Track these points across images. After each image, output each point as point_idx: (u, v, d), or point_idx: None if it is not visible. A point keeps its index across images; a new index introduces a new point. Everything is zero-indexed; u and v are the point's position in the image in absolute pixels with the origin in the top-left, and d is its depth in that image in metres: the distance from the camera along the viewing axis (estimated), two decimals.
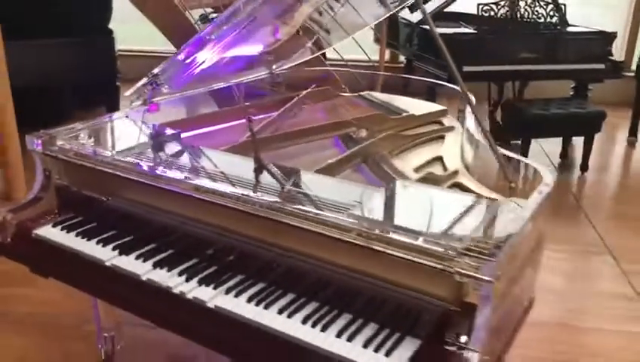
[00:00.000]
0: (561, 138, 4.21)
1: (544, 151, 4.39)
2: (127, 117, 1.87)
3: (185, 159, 1.62)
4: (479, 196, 1.38)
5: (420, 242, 1.12)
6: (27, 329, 2.22)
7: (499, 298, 1.12)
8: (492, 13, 4.17)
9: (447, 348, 1.09)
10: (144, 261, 1.42)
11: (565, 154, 4.19)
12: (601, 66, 4.18)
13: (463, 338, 1.09)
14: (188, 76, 1.90)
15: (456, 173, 1.71)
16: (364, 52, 4.35)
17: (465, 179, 1.65)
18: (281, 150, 1.85)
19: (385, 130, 1.97)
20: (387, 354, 1.12)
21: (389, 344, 1.14)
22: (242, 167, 1.49)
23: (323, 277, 1.27)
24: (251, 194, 1.33)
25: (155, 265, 1.40)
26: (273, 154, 1.73)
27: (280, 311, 1.24)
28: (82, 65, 4.03)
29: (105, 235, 1.52)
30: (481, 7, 4.17)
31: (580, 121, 3.89)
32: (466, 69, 4.04)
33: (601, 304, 2.48)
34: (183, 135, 1.79)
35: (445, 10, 4.45)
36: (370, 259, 1.18)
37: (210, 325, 1.27)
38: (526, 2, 4.26)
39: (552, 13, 4.29)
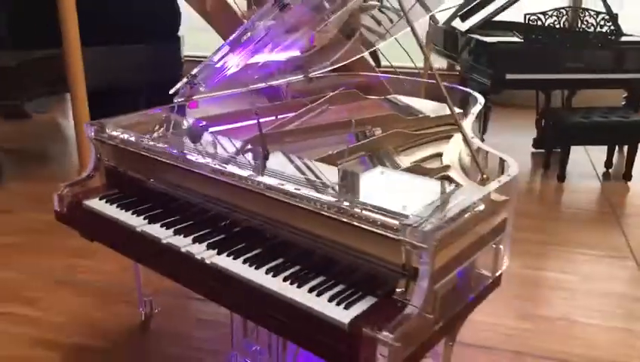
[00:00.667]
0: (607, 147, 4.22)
1: (590, 160, 4.41)
2: (168, 111, 2.18)
3: (208, 147, 1.90)
4: (447, 183, 1.57)
5: (376, 216, 1.34)
6: (86, 292, 2.58)
7: (441, 266, 1.31)
8: (539, 23, 4.25)
9: (394, 303, 1.30)
10: (167, 229, 1.71)
11: (610, 163, 4.20)
12: None
13: (407, 296, 1.30)
14: (220, 78, 2.19)
15: (447, 167, 1.90)
16: (411, 59, 4.55)
17: (454, 173, 1.84)
18: (301, 142, 2.10)
19: (395, 129, 2.19)
20: (346, 308, 1.34)
21: (350, 300, 1.36)
22: (252, 154, 1.75)
23: (303, 246, 1.50)
24: (254, 176, 1.58)
25: (175, 232, 1.69)
26: (293, 146, 1.99)
27: (267, 271, 1.48)
28: (152, 69, 4.44)
29: (138, 208, 1.82)
30: (528, 16, 4.26)
31: (623, 130, 3.90)
32: (509, 76, 4.16)
33: (611, 303, 2.56)
34: (213, 128, 2.08)
35: (493, 19, 4.57)
36: (340, 231, 1.41)
37: (212, 280, 1.54)
38: (575, 12, 4.31)
39: (602, 22, 4.31)
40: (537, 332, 2.35)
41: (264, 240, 1.60)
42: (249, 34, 2.01)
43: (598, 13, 4.33)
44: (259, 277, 1.47)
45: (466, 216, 1.38)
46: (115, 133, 1.95)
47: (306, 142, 2.11)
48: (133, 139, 1.91)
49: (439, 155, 2.04)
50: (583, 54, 4.23)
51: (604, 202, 3.69)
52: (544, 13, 4.27)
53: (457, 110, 2.56)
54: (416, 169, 1.81)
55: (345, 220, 1.39)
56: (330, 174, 1.60)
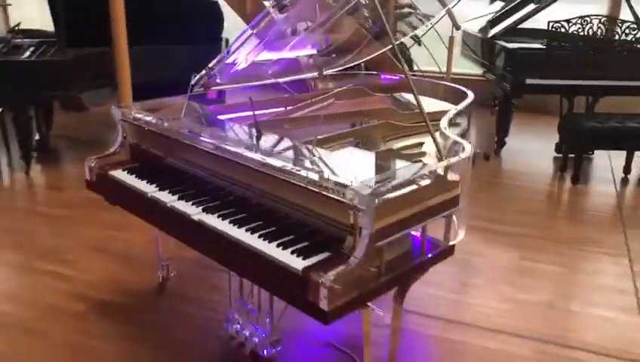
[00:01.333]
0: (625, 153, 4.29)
1: (610, 165, 4.49)
2: (188, 99, 2.50)
3: (212, 129, 2.20)
4: (401, 161, 1.81)
5: (331, 185, 1.60)
6: (115, 259, 2.94)
7: (382, 227, 1.55)
8: (563, 30, 4.37)
9: (343, 256, 1.56)
10: (172, 195, 2.02)
11: (628, 169, 4.26)
12: None
13: (352, 251, 1.55)
14: (232, 72, 2.49)
15: (424, 153, 2.14)
16: (437, 63, 4.75)
17: (427, 158, 2.08)
18: (298, 129, 2.37)
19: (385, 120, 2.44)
20: (304, 259, 1.60)
21: (308, 253, 1.62)
22: (247, 135, 2.05)
23: (276, 209, 1.78)
24: (245, 152, 1.87)
25: (179, 198, 2.00)
26: (291, 132, 2.27)
27: (247, 230, 1.77)
28: (196, 67, 4.82)
29: (151, 178, 2.15)
30: (551, 24, 4.39)
31: (637, 136, 3.98)
32: (529, 81, 4.31)
33: (593, 293, 2.71)
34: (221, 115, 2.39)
35: (519, 26, 4.72)
36: (306, 197, 1.68)
37: (205, 237, 1.84)
38: (600, 20, 4.41)
39: (627, 31, 4.40)
40: (514, 312, 2.54)
41: (248, 206, 1.89)
42: (253, 33, 2.30)
43: (623, 21, 4.42)
44: (240, 234, 1.76)
45: (410, 187, 1.62)
46: (138, 116, 2.29)
47: (303, 129, 2.38)
48: (153, 121, 2.24)
49: (421, 144, 2.28)
50: (605, 61, 4.33)
51: (613, 205, 3.79)
52: (568, 21, 4.39)
53: (451, 105, 2.81)
54: (390, 153, 2.06)
55: (311, 188, 1.65)
56: (310, 154, 1.87)
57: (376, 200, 1.52)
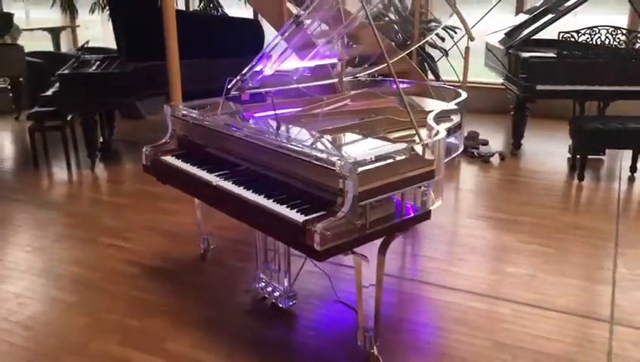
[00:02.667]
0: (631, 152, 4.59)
1: (620, 165, 4.79)
2: (225, 99, 3.04)
3: (242, 122, 2.72)
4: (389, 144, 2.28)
5: (327, 158, 2.08)
6: (165, 235, 3.51)
7: (364, 190, 2.02)
8: (572, 40, 4.73)
9: (334, 213, 2.03)
10: (202, 170, 2.56)
11: (634, 167, 4.55)
12: None
13: (340, 207, 2.03)
14: (261, 78, 3.01)
15: (413, 141, 2.59)
16: (456, 73, 5.18)
17: (414, 144, 2.53)
18: (315, 123, 2.87)
19: (386, 115, 2.91)
20: (304, 214, 2.08)
21: (308, 210, 2.10)
22: (268, 126, 2.56)
23: (287, 181, 2.28)
24: (266, 137, 2.38)
25: (208, 171, 2.53)
26: (309, 125, 2.76)
27: (265, 196, 2.26)
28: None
29: (194, 160, 2.69)
30: (561, 34, 4.76)
31: (637, 136, 4.29)
32: (539, 87, 4.69)
33: (574, 268, 3.08)
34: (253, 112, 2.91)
35: (542, 37, 5.10)
36: (309, 170, 2.17)
37: (221, 197, 2.35)
38: (607, 30, 4.75)
39: (634, 40, 4.72)
40: (500, 281, 2.95)
41: (267, 180, 2.39)
42: (276, 45, 2.82)
43: (630, 31, 4.74)
44: (260, 199, 2.26)
45: (387, 161, 2.09)
46: (184, 112, 2.84)
47: (318, 123, 2.88)
48: (196, 116, 2.79)
49: (414, 135, 2.73)
50: (613, 68, 4.66)
51: (614, 199, 4.11)
52: (577, 32, 4.75)
53: (444, 103, 3.24)
54: (381, 138, 2.53)
55: (313, 162, 2.14)
56: (321, 140, 2.37)
57: (359, 169, 2.00)
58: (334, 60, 3.62)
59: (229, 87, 3.02)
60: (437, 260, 3.19)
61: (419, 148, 2.23)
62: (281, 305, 2.67)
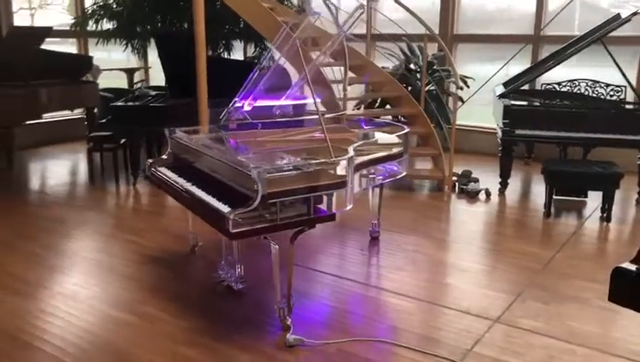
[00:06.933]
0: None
1: (597, 207, 5.20)
2: (215, 126, 3.88)
3: (208, 143, 3.54)
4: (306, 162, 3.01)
5: (245, 168, 2.85)
6: (167, 232, 4.37)
7: (272, 192, 2.75)
8: (554, 90, 5.26)
9: (248, 206, 2.78)
10: (180, 178, 3.39)
11: (604, 208, 4.94)
12: None
13: (252, 203, 2.77)
14: (241, 112, 3.82)
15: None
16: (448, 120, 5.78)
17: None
18: (280, 146, 3.64)
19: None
20: (231, 207, 2.84)
21: (234, 205, 2.86)
22: (228, 146, 3.38)
23: (223, 182, 3.06)
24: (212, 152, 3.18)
25: (181, 177, 3.36)
26: (275, 146, 3.54)
27: (207, 193, 3.06)
28: None
29: (176, 171, 3.53)
30: (544, 86, 5.30)
31: (598, 179, 4.71)
32: (518, 131, 5.24)
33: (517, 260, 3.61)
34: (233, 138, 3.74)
35: (521, 88, 5.66)
36: (238, 175, 2.94)
37: (189, 197, 3.16)
38: (587, 83, 5.24)
39: (611, 93, 5.18)
40: (427, 287, 3.54)
41: (211, 181, 3.18)
42: (249, 87, 3.65)
43: (608, 84, 5.21)
44: (203, 195, 3.06)
45: (293, 171, 2.83)
46: (178, 135, 3.71)
47: (277, 146, 3.65)
48: (181, 136, 3.65)
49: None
50: (589, 117, 5.13)
51: (568, 233, 4.55)
52: (559, 84, 5.28)
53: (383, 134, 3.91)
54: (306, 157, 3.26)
55: (238, 169, 2.91)
56: (251, 156, 3.16)
57: (266, 176, 2.75)
58: (309, 101, 4.38)
59: (220, 117, 3.88)
60: (382, 267, 3.83)
61: (326, 166, 2.95)
62: (234, 287, 3.42)
